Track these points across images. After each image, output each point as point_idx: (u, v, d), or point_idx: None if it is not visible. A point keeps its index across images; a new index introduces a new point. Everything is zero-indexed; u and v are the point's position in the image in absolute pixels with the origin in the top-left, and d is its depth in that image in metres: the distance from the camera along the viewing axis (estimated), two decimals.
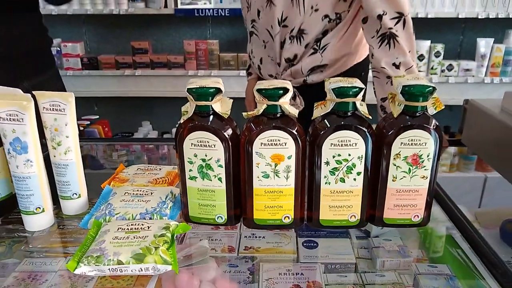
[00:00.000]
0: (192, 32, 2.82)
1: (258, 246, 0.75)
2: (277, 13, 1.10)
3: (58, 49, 2.67)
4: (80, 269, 0.57)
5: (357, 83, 0.62)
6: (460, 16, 2.37)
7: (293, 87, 1.16)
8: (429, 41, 2.47)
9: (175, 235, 0.64)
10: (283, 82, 0.62)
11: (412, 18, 2.32)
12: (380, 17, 1.00)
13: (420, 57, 2.47)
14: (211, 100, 0.62)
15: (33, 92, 0.68)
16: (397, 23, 1.00)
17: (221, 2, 2.57)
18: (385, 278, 0.70)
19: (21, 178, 0.67)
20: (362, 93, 0.61)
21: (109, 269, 0.57)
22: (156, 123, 2.96)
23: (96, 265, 0.57)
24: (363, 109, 0.63)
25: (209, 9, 2.52)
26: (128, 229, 0.63)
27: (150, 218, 0.68)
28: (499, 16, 2.34)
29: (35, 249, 0.74)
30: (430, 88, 0.61)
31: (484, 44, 2.44)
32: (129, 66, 2.67)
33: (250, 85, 1.40)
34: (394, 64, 1.02)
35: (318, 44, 1.13)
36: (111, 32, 2.83)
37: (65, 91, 1.38)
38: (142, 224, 0.64)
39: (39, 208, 0.70)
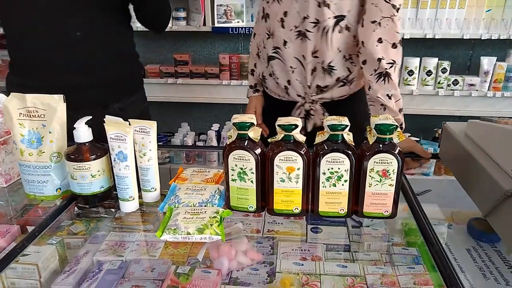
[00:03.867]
0: (226, 45, 2.95)
1: (277, 229, 0.94)
2: (310, 46, 1.27)
3: None
4: (164, 237, 0.83)
5: (345, 121, 0.85)
6: (465, 37, 2.45)
7: (321, 104, 1.37)
8: (437, 59, 2.56)
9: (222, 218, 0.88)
10: (295, 119, 0.86)
11: (422, 39, 2.60)
12: (379, 60, 1.21)
13: (428, 73, 2.56)
14: (248, 130, 0.86)
15: (129, 120, 0.93)
16: (390, 67, 1.22)
17: (252, 21, 2.71)
18: (370, 257, 0.86)
19: (122, 177, 0.93)
20: (348, 128, 0.85)
21: (181, 237, 0.82)
22: (193, 124, 3.12)
23: (173, 235, 0.82)
24: (349, 137, 0.86)
25: (241, 27, 2.65)
26: (192, 212, 0.87)
27: (205, 206, 0.92)
28: (501, 38, 2.43)
29: (118, 225, 0.97)
30: (394, 126, 0.83)
31: (487, 62, 2.52)
32: (171, 75, 2.83)
33: (253, 102, 1.54)
34: (387, 95, 1.24)
35: (347, 78, 1.33)
36: (157, 45, 3.00)
37: (148, 111, 1.58)
38: (201, 210, 0.89)
39: (131, 197, 0.95)
